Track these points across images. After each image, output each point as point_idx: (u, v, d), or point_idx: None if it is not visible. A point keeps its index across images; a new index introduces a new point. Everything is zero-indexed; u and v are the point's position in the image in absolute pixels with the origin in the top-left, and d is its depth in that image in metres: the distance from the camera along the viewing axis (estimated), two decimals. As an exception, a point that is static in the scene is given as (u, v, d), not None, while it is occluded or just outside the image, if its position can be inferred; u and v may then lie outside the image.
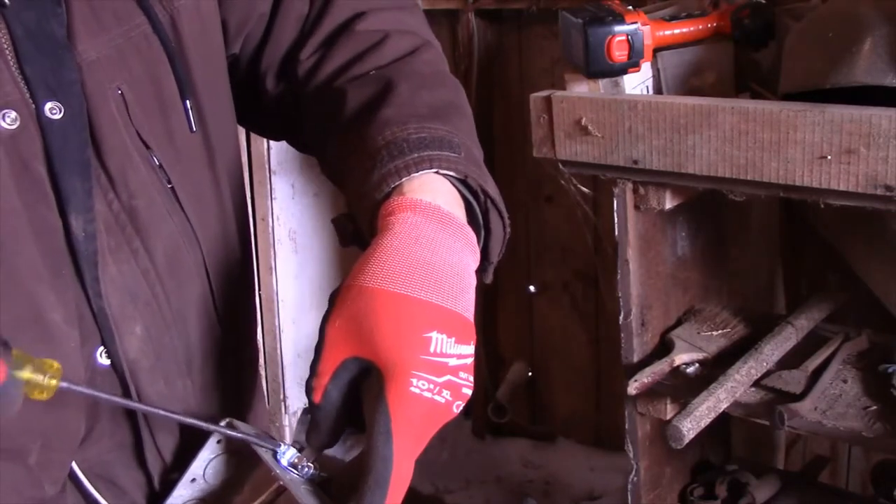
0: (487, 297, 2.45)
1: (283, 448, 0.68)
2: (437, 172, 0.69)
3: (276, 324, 2.28)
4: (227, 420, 0.70)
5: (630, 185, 1.30)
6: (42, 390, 0.58)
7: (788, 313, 1.44)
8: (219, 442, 0.71)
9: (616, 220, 1.33)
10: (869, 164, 1.07)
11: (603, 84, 1.33)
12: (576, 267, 2.31)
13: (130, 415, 0.72)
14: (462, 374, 0.64)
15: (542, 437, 2.46)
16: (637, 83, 1.34)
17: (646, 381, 1.33)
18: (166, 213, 0.73)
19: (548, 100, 1.31)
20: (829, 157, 1.09)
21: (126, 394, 0.71)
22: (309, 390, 0.65)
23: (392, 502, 0.62)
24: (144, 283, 0.71)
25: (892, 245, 1.30)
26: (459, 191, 0.71)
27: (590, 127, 1.28)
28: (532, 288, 2.41)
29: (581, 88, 1.35)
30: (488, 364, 2.46)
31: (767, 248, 1.66)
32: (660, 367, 1.34)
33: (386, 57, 0.80)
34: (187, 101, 0.74)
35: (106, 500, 0.72)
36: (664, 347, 1.41)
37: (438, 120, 0.73)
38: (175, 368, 0.74)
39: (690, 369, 1.35)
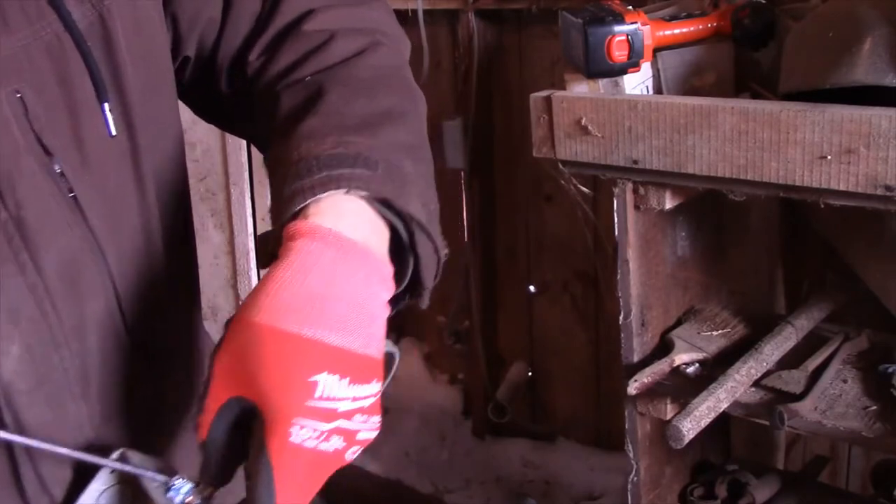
0: (487, 297, 2.45)
1: (178, 483, 0.64)
2: (347, 192, 0.64)
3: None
4: (121, 451, 0.65)
5: (630, 185, 1.30)
6: None
7: (788, 313, 1.44)
8: (112, 472, 0.67)
9: (616, 220, 1.33)
10: (869, 164, 1.07)
11: (603, 84, 1.33)
12: (576, 267, 2.31)
13: (4, 444, 0.66)
14: (358, 418, 0.60)
15: (542, 437, 2.46)
16: (637, 83, 1.34)
17: (646, 381, 1.33)
18: (64, 224, 0.67)
19: (548, 100, 1.31)
20: (829, 157, 1.09)
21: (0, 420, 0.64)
22: (196, 426, 0.61)
23: None
24: (31, 300, 0.65)
25: (891, 245, 1.30)
26: (382, 212, 0.65)
27: (590, 127, 1.27)
28: (532, 288, 2.41)
29: (581, 88, 1.35)
30: (488, 364, 2.46)
31: (767, 248, 1.66)
32: (660, 367, 1.34)
33: (329, 59, 0.75)
34: (106, 105, 0.69)
35: None
36: (664, 347, 1.41)
37: (365, 132, 0.68)
38: (66, 392, 0.68)
39: (690, 369, 1.35)
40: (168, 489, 0.64)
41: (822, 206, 1.13)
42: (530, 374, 2.47)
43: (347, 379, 0.59)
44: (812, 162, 1.10)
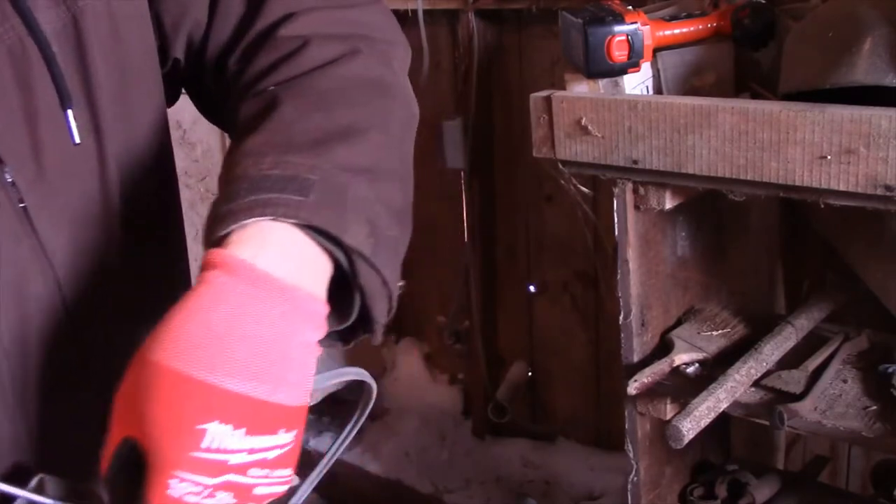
0: (487, 297, 2.45)
1: None
2: (276, 219, 0.58)
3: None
4: (39, 477, 0.61)
5: (630, 185, 1.30)
6: None
7: (788, 313, 1.44)
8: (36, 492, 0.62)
9: (616, 220, 1.33)
10: (869, 164, 1.07)
11: (603, 84, 1.33)
12: (576, 267, 2.31)
13: None
14: (254, 472, 0.54)
15: (542, 437, 2.46)
16: (637, 83, 1.34)
17: (646, 381, 1.33)
18: (12, 236, 0.64)
19: (548, 100, 1.31)
20: (829, 157, 1.09)
21: None
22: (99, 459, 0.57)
23: None
24: None
25: (891, 245, 1.30)
26: (323, 242, 0.60)
27: (590, 127, 1.27)
28: (532, 288, 2.41)
29: (581, 88, 1.35)
30: (488, 364, 2.46)
31: (767, 248, 1.66)
32: (660, 367, 1.34)
33: (299, 68, 0.70)
34: (69, 112, 0.65)
35: None
36: (664, 347, 1.41)
37: (311, 151, 0.62)
38: (1, 410, 0.64)
39: (690, 369, 1.35)
40: None
41: (822, 206, 1.13)
42: (530, 374, 2.47)
43: (243, 429, 0.53)
44: (812, 162, 1.11)
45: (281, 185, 0.59)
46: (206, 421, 0.52)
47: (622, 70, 1.30)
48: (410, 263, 2.78)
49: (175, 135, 2.56)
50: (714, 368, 1.33)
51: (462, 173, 2.35)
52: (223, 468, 0.53)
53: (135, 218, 0.72)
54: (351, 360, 2.45)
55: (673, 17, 1.36)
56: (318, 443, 2.51)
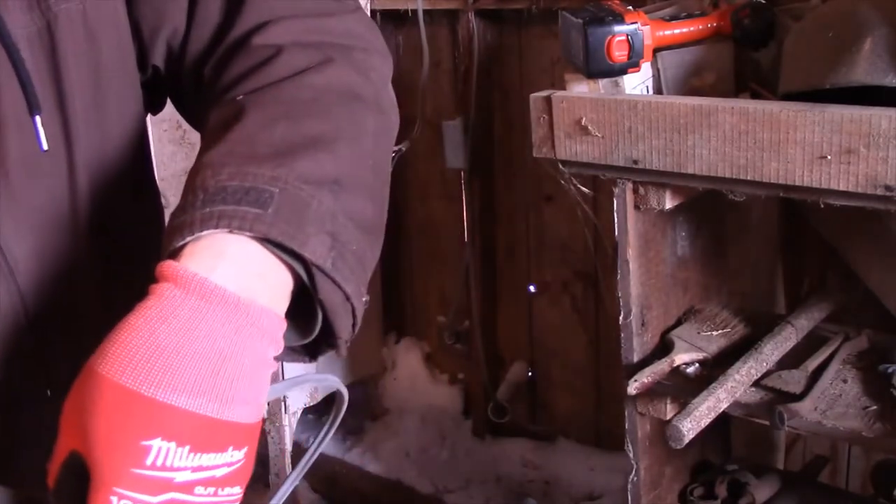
0: (487, 297, 2.45)
1: None
2: (233, 232, 0.57)
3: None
4: None
5: (630, 185, 1.30)
6: None
7: (788, 313, 1.44)
8: None
9: (616, 220, 1.33)
10: (869, 164, 1.07)
11: (603, 84, 1.33)
12: (576, 267, 2.31)
13: None
14: (200, 490, 0.52)
15: (542, 437, 2.46)
16: (637, 83, 1.34)
17: (646, 381, 1.33)
18: None
19: (548, 100, 1.31)
20: (829, 157, 1.09)
21: None
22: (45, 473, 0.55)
23: None
24: None
25: (891, 245, 1.30)
26: (283, 256, 0.59)
27: (590, 127, 1.28)
28: (532, 288, 2.41)
29: (581, 88, 1.35)
30: (488, 364, 2.46)
31: (767, 249, 1.66)
32: (660, 367, 1.34)
33: (271, 76, 0.68)
34: (37, 117, 0.64)
35: None
36: (664, 347, 1.41)
37: (272, 162, 0.60)
38: None
39: (690, 369, 1.35)
40: None
41: (822, 206, 1.13)
42: (530, 374, 2.47)
43: (188, 447, 0.52)
44: (812, 162, 1.11)
45: (238, 197, 0.58)
46: (149, 437, 0.51)
47: (622, 70, 1.30)
48: (410, 263, 2.78)
49: (175, 135, 2.56)
50: (714, 368, 1.33)
51: (462, 173, 2.35)
52: (167, 486, 0.51)
53: (106, 225, 0.71)
54: (351, 360, 2.45)
55: (673, 17, 1.36)
56: (318, 443, 2.51)
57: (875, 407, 1.24)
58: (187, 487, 0.52)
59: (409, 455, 2.51)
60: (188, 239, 0.57)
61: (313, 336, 0.63)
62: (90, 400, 0.52)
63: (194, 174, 0.61)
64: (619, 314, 1.38)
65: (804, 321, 1.39)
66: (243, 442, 0.54)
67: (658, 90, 1.36)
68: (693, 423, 1.20)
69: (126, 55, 0.73)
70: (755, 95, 1.36)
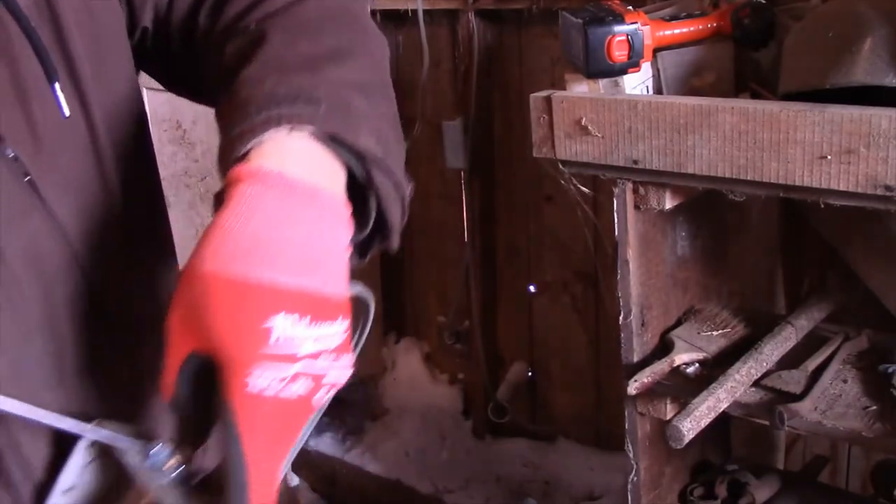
0: (487, 297, 2.45)
1: (156, 448, 0.63)
2: (293, 131, 0.61)
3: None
4: (96, 421, 0.65)
5: (630, 185, 1.30)
6: None
7: (788, 313, 1.44)
8: (92, 445, 0.66)
9: (616, 220, 1.33)
10: (869, 164, 1.07)
11: (603, 84, 1.33)
12: (576, 267, 2.31)
13: None
14: (323, 359, 0.57)
15: (542, 437, 2.46)
16: (637, 83, 1.34)
17: (646, 381, 1.33)
18: (23, 210, 0.65)
19: (548, 100, 1.31)
20: (829, 157, 1.09)
21: None
22: (160, 388, 0.60)
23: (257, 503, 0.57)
24: None
25: (892, 245, 1.30)
26: (336, 151, 0.63)
27: (590, 127, 1.27)
28: (532, 288, 2.41)
29: (581, 88, 1.35)
30: (488, 364, 2.46)
31: (767, 249, 1.66)
32: (660, 367, 1.34)
33: (273, 5, 0.72)
34: (56, 85, 0.66)
35: None
36: (664, 347, 1.41)
37: (306, 71, 0.65)
38: (41, 380, 0.67)
39: (690, 369, 1.35)
40: (147, 456, 0.63)
41: (822, 206, 1.13)
42: (530, 374, 2.47)
43: (307, 318, 0.56)
44: (812, 162, 1.11)
45: (290, 100, 0.62)
46: (270, 318, 0.55)
47: (622, 70, 1.30)
48: (410, 263, 2.78)
49: (175, 135, 2.56)
50: (714, 368, 1.33)
51: (462, 173, 2.35)
52: (295, 359, 0.56)
53: (126, 182, 0.74)
54: (351, 360, 2.45)
55: (673, 17, 1.36)
56: (319, 443, 2.52)
57: (875, 407, 1.24)
58: (312, 358, 0.56)
59: (409, 455, 2.51)
60: (251, 144, 0.60)
61: (367, 230, 0.66)
62: (204, 299, 0.55)
63: (234, 93, 0.65)
64: (619, 314, 1.38)
65: (804, 321, 1.39)
66: (345, 314, 0.59)
67: (658, 90, 1.36)
68: (693, 423, 1.20)
69: (118, 18, 0.75)
70: (755, 95, 1.36)
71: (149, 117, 0.83)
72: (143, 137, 0.79)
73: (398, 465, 2.46)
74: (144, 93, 0.81)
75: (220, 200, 0.60)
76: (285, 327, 0.55)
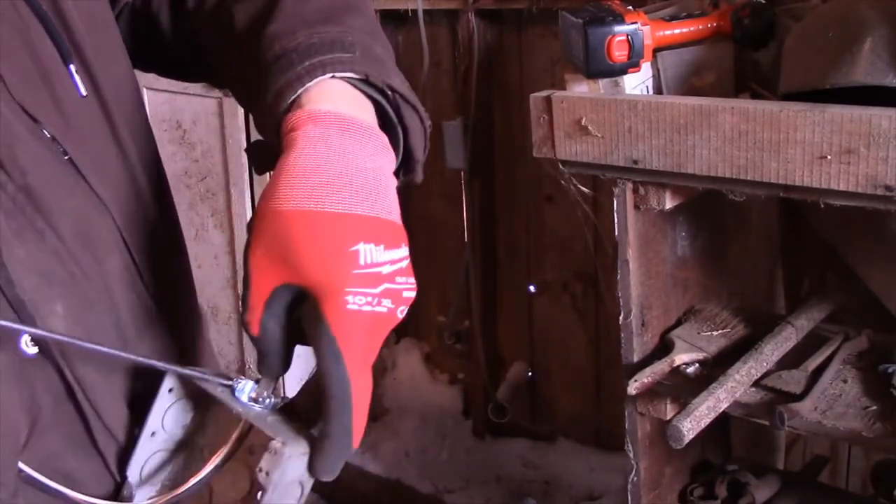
0: (487, 297, 2.45)
1: (240, 384, 0.66)
2: (333, 77, 0.67)
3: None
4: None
5: (630, 185, 1.30)
6: None
7: (788, 313, 1.44)
8: (171, 391, 0.69)
9: (616, 220, 1.33)
10: (869, 164, 1.07)
11: (603, 84, 1.33)
12: (576, 267, 2.31)
13: (74, 400, 0.68)
14: (399, 279, 0.62)
15: (542, 437, 2.46)
16: (637, 83, 1.34)
17: (646, 381, 1.33)
18: (67, 187, 0.68)
19: (548, 100, 1.31)
20: (829, 157, 1.09)
21: (63, 381, 0.67)
22: (245, 325, 0.63)
23: (358, 418, 0.62)
24: (57, 263, 0.66)
25: (892, 245, 1.30)
26: (366, 91, 0.68)
27: (590, 127, 1.28)
28: (532, 288, 2.41)
29: (581, 88, 1.35)
30: (488, 364, 2.46)
31: (767, 248, 1.66)
32: (660, 367, 1.34)
33: None
34: (71, 66, 0.69)
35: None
36: (664, 347, 1.41)
37: (329, 23, 0.70)
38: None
39: (690, 369, 1.35)
40: (233, 391, 0.66)
41: (822, 206, 1.13)
42: (530, 374, 2.47)
43: (383, 245, 0.61)
44: (812, 162, 1.11)
45: (328, 48, 0.67)
46: (355, 243, 0.60)
47: (622, 70, 1.30)
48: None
49: (175, 135, 2.56)
50: (714, 368, 1.33)
51: (462, 173, 2.36)
52: (379, 278, 0.60)
53: (140, 160, 0.77)
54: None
55: (673, 17, 1.36)
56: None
57: (875, 407, 1.24)
58: (391, 277, 0.61)
59: (409, 455, 2.51)
60: (300, 91, 0.65)
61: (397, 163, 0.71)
62: (289, 234, 0.60)
63: (266, 49, 0.69)
64: (619, 314, 1.38)
65: (804, 321, 1.39)
66: (406, 239, 0.64)
67: (658, 90, 1.36)
68: (693, 423, 1.20)
69: (107, 3, 0.78)
70: (755, 95, 1.36)
71: (149, 117, 0.84)
72: (145, 120, 0.81)
73: (398, 465, 2.46)
74: (144, 93, 0.82)
75: (273, 152, 0.64)
76: (368, 252, 0.60)
